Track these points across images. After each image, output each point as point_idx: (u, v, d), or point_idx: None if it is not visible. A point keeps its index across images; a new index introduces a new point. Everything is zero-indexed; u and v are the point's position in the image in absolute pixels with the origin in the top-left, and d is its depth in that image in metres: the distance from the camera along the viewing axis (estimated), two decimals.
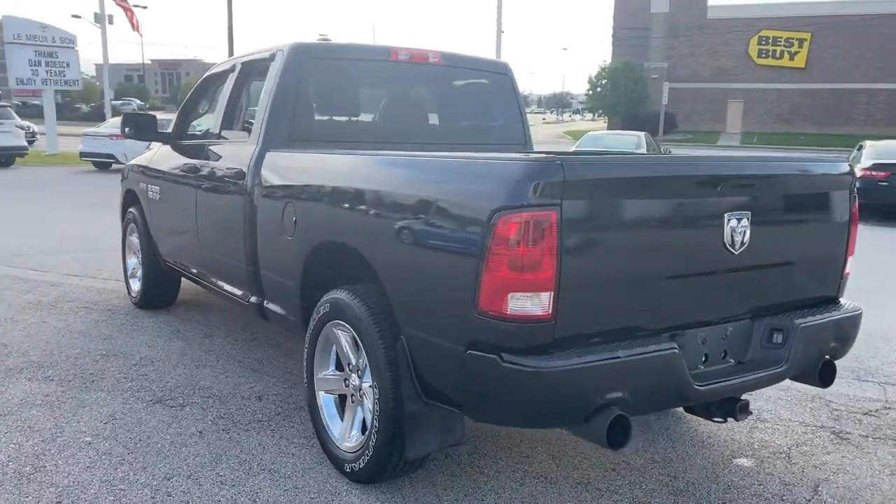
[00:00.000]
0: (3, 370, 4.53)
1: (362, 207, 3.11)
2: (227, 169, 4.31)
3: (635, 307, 2.67)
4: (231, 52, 28.85)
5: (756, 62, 52.78)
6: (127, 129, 5.15)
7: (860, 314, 3.37)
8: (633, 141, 15.01)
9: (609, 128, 51.18)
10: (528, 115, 5.15)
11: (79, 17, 34.41)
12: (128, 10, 30.67)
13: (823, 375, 3.19)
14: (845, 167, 3.30)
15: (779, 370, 2.98)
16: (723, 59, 54.44)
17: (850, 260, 3.38)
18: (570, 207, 2.40)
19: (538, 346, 2.45)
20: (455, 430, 2.99)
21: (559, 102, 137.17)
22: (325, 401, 3.43)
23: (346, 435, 3.29)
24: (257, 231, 3.96)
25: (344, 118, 4.36)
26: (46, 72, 24.10)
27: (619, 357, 2.51)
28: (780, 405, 4.30)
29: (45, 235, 9.62)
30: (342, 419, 3.37)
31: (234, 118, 4.70)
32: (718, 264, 2.82)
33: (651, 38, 55.53)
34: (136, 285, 6.09)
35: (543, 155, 2.43)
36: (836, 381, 4.64)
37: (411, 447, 2.92)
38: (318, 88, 4.20)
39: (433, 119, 4.75)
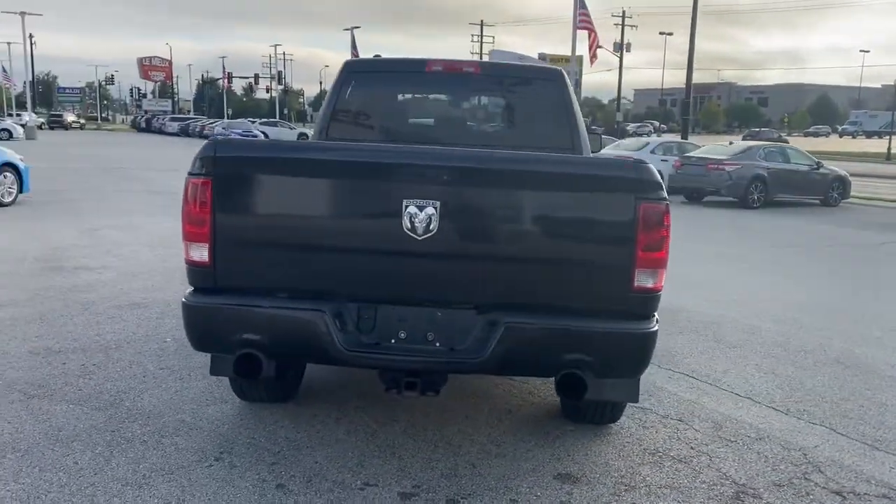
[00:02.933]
0: None
1: None
2: None
3: (303, 272, 3.05)
4: (689, 82, 28.50)
5: None
6: None
7: (640, 335, 3.00)
8: None
9: None
10: None
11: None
12: (592, 34, 30.92)
13: (564, 387, 2.98)
14: (629, 172, 2.94)
15: (473, 360, 2.98)
16: None
17: (657, 272, 2.96)
18: (221, 177, 2.99)
19: (205, 289, 3.12)
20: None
21: None
22: None
23: None
24: None
25: (379, 120, 5.01)
26: None
27: (258, 306, 2.99)
28: (739, 454, 3.68)
29: None
30: None
31: None
32: (398, 247, 2.94)
33: None
34: None
35: (221, 138, 3.02)
36: (868, 456, 3.71)
37: (212, 367, 3.72)
38: (355, 96, 4.95)
39: (467, 123, 5.09)
